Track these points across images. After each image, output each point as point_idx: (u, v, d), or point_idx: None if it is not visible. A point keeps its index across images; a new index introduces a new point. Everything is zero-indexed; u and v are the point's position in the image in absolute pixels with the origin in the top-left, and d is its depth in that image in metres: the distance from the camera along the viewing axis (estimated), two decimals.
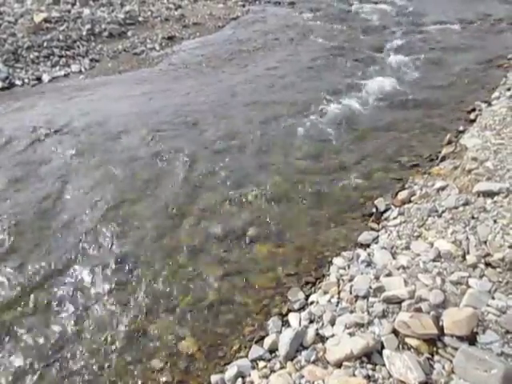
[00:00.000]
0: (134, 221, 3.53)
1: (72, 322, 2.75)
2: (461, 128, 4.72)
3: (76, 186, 3.97)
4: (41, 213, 3.66)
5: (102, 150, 4.50)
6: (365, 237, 3.15)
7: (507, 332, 2.08)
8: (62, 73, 6.85)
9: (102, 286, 2.99)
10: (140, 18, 9.18)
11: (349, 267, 2.83)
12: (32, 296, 2.91)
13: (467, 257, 2.58)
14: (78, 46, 7.72)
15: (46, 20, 8.33)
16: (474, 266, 2.51)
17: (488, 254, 2.56)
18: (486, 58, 7.17)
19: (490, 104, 5.09)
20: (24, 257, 3.21)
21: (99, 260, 3.19)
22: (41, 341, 2.63)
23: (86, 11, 9.09)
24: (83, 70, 6.97)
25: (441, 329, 2.12)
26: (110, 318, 2.76)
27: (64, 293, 2.94)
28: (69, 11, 9.05)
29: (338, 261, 2.93)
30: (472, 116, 4.99)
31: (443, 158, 4.03)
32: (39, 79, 6.60)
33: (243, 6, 10.73)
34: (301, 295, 2.79)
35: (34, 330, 2.70)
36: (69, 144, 4.59)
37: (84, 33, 8.13)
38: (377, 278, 2.59)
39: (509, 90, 5.35)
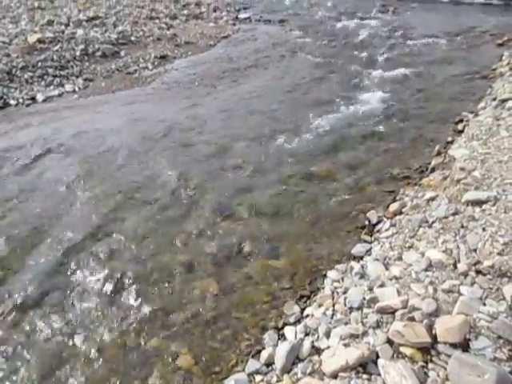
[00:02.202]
0: (128, 238, 3.56)
1: (66, 338, 2.75)
2: (449, 139, 4.82)
3: (69, 204, 4.00)
4: (34, 230, 3.68)
5: (96, 168, 4.55)
6: (358, 249, 3.19)
7: (499, 337, 2.12)
8: (56, 92, 6.91)
9: (96, 302, 3.00)
10: (133, 38, 9.31)
11: (343, 280, 2.87)
12: (23, 314, 2.91)
13: (458, 265, 2.63)
14: (72, 66, 7.80)
15: (40, 40, 8.44)
16: (465, 274, 2.56)
17: (478, 262, 2.61)
18: (471, 69, 7.34)
19: (476, 114, 5.20)
20: (15, 274, 3.22)
21: (94, 276, 3.20)
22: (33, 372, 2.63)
23: (80, 32, 9.22)
24: (77, 89, 7.04)
25: (434, 337, 2.16)
26: (106, 334, 2.76)
27: (58, 308, 2.95)
28: (62, 32, 9.18)
29: (332, 274, 2.96)
30: (460, 127, 5.09)
31: (433, 169, 4.10)
32: (33, 99, 6.66)
33: (234, 24, 10.91)
34: (296, 309, 2.82)
35: (29, 359, 2.69)
36: (63, 163, 4.64)
37: (78, 53, 8.23)
38: (370, 289, 2.62)
39: (494, 99, 5.47)
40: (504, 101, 5.17)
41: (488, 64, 7.39)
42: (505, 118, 4.50)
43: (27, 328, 2.84)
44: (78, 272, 3.26)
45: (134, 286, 3.12)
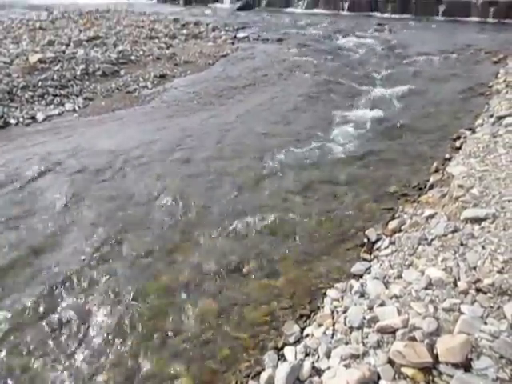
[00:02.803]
0: (126, 257, 3.55)
1: (64, 357, 2.72)
2: (447, 156, 4.85)
3: (69, 224, 3.99)
4: (33, 250, 3.66)
5: (95, 188, 4.55)
6: (357, 267, 3.18)
7: (501, 357, 2.10)
8: (57, 111, 6.96)
9: (95, 323, 2.97)
10: (132, 57, 9.42)
11: (342, 299, 2.85)
12: (20, 336, 2.89)
13: (458, 283, 2.62)
14: (72, 85, 7.88)
15: (40, 60, 8.54)
16: (466, 293, 2.54)
17: (478, 280, 2.60)
18: (467, 86, 7.43)
19: (474, 131, 5.24)
20: (14, 295, 3.20)
21: (93, 296, 3.18)
22: None
23: (80, 51, 9.34)
24: (77, 108, 7.09)
25: (435, 357, 2.14)
26: (104, 356, 2.73)
27: (56, 330, 2.92)
28: (63, 52, 9.30)
29: (331, 292, 2.95)
30: (457, 143, 5.12)
31: (431, 186, 4.12)
32: (33, 118, 6.70)
33: (232, 43, 11.05)
34: (296, 328, 2.80)
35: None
36: (62, 183, 4.64)
37: (78, 72, 8.31)
38: (370, 308, 2.61)
39: (491, 116, 5.52)
40: (501, 118, 5.22)
41: (484, 81, 7.48)
42: (502, 135, 4.54)
43: (23, 351, 2.81)
44: (75, 292, 3.24)
45: (132, 306, 3.09)
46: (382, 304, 2.61)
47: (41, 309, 3.09)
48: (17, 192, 4.54)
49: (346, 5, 15.51)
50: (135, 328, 2.92)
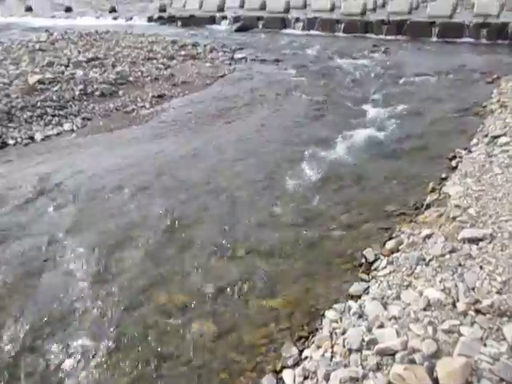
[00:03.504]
0: (122, 279, 3.52)
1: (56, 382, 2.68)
2: (443, 175, 4.87)
3: (64, 245, 3.97)
4: (28, 272, 3.63)
5: (93, 208, 4.56)
6: (355, 288, 3.17)
7: (501, 380, 2.08)
8: (55, 131, 6.99)
9: (88, 345, 2.93)
10: (131, 78, 9.52)
11: (341, 320, 2.83)
12: (16, 361, 2.84)
13: (457, 304, 2.61)
14: (71, 106, 7.93)
15: (40, 81, 8.60)
16: (465, 314, 2.53)
17: (477, 301, 2.60)
18: (462, 106, 7.52)
19: (469, 151, 5.28)
20: (8, 317, 3.16)
21: (87, 320, 3.14)
22: None
23: (79, 72, 9.43)
24: (75, 128, 7.13)
25: (435, 380, 2.11)
26: (96, 379, 2.69)
27: (51, 354, 2.88)
28: (62, 72, 9.38)
29: (329, 314, 2.92)
30: (453, 163, 5.16)
31: (428, 206, 4.13)
32: (32, 138, 6.72)
33: (230, 64, 11.20)
34: (294, 350, 2.77)
35: None
36: (60, 203, 4.64)
37: (77, 93, 8.38)
38: (369, 330, 2.59)
39: (486, 136, 5.58)
40: (495, 137, 5.28)
41: (479, 101, 7.57)
42: (497, 155, 4.59)
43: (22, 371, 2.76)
44: (72, 315, 3.20)
45: (127, 328, 3.06)
46: (381, 326, 2.60)
47: (35, 332, 3.06)
48: (13, 213, 4.53)
49: (342, 26, 15.79)
50: (130, 350, 2.88)
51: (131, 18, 20.54)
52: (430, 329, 2.44)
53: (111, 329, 3.06)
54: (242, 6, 20.36)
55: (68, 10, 23.77)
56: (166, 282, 3.48)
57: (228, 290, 3.38)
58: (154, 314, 3.18)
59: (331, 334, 2.74)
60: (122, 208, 4.55)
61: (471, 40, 13.87)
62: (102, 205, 4.63)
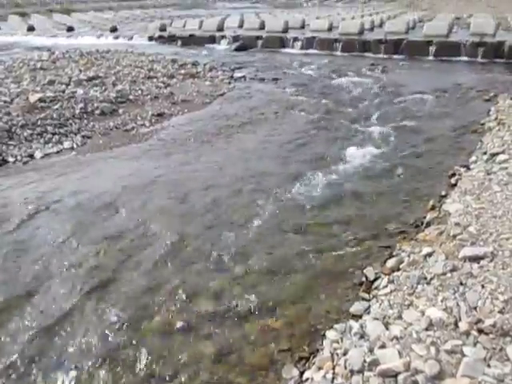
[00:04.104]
0: (119, 299, 3.49)
1: None
2: (443, 193, 4.88)
3: (62, 264, 3.94)
4: (24, 292, 3.60)
5: (91, 227, 4.54)
6: (356, 307, 3.14)
7: None
8: (55, 150, 7.00)
9: (86, 365, 2.88)
10: (131, 97, 9.59)
11: (342, 340, 2.79)
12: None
13: (459, 324, 2.58)
14: (71, 124, 7.97)
15: (40, 99, 8.66)
16: (467, 334, 2.51)
17: (480, 321, 2.57)
18: (460, 124, 7.58)
19: (468, 168, 5.30)
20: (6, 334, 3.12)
21: (85, 338, 3.10)
22: None
23: (80, 91, 9.50)
24: (75, 146, 7.15)
25: None
26: None
27: (48, 373, 2.83)
28: (63, 91, 9.45)
29: (330, 334, 2.89)
30: (453, 180, 5.17)
31: (428, 224, 4.12)
32: (31, 156, 6.73)
33: (229, 83, 11.30)
34: (295, 372, 2.72)
35: None
36: (59, 222, 4.63)
37: (77, 111, 8.43)
38: (371, 350, 2.55)
39: (485, 153, 5.60)
40: (494, 155, 5.30)
41: (476, 119, 7.63)
42: (496, 172, 4.60)
43: None
44: (69, 335, 3.16)
45: (126, 349, 3.02)
46: (383, 346, 2.56)
47: (30, 353, 3.01)
48: (11, 231, 4.51)
49: (340, 46, 16.00)
50: (128, 373, 2.83)
51: (132, 37, 20.79)
52: (432, 349, 2.41)
53: (106, 349, 3.01)
54: (241, 26, 20.69)
55: (70, 29, 24.08)
56: (164, 302, 3.44)
57: (227, 309, 3.34)
58: (151, 334, 3.13)
59: (332, 354, 2.70)
60: (121, 227, 4.53)
61: (468, 59, 14.04)
62: (101, 223, 4.61)
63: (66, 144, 7.20)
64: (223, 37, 18.68)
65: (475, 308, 2.64)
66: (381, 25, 19.33)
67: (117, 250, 4.14)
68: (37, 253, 4.12)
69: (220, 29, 20.09)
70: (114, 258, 4.02)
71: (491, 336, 2.46)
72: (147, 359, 2.92)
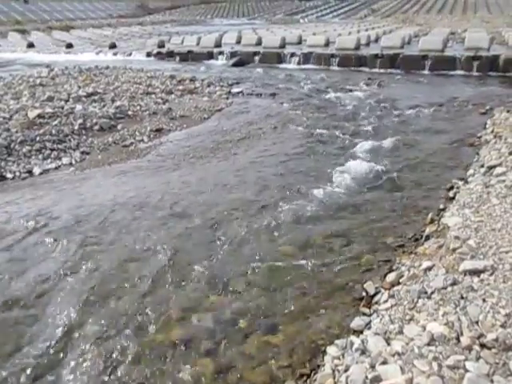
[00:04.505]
0: (118, 315, 3.46)
1: None
2: (441, 206, 4.89)
3: (60, 281, 3.91)
4: (22, 310, 3.57)
5: (89, 243, 4.52)
6: (357, 322, 3.11)
7: None
8: (53, 165, 7.01)
9: (85, 381, 2.84)
10: (129, 112, 9.64)
11: (343, 356, 2.76)
12: None
13: (461, 339, 2.56)
14: (70, 140, 7.99)
15: (39, 116, 8.71)
16: (470, 348, 2.48)
17: (482, 335, 2.55)
18: (457, 137, 7.63)
19: (466, 181, 5.32)
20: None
21: (84, 355, 3.06)
22: None
23: (79, 107, 9.55)
24: (74, 162, 7.15)
25: None
26: None
27: None
28: (62, 107, 9.51)
29: (331, 350, 2.86)
30: (451, 194, 5.18)
31: (427, 237, 4.11)
32: (30, 172, 6.73)
33: (227, 98, 11.38)
34: None
35: None
36: (57, 239, 4.60)
37: (76, 127, 8.47)
38: (372, 366, 2.52)
39: (482, 166, 5.63)
40: (491, 168, 5.32)
41: (473, 132, 7.69)
42: (494, 185, 4.61)
43: None
44: (67, 353, 3.12)
45: (125, 366, 2.98)
46: (385, 362, 2.53)
47: (26, 373, 2.97)
48: (8, 248, 4.48)
49: (337, 61, 16.17)
50: None
51: (130, 54, 20.98)
52: (434, 365, 2.39)
53: (106, 367, 2.98)
54: (238, 42, 20.94)
55: (69, 46, 24.30)
56: (163, 318, 3.41)
57: (226, 325, 3.31)
58: (151, 350, 3.10)
59: (333, 371, 2.67)
60: (119, 243, 4.51)
61: (463, 72, 14.21)
62: (99, 239, 4.59)
63: (65, 160, 7.21)
64: (221, 53, 18.88)
65: (477, 322, 2.62)
66: (377, 40, 19.60)
67: (115, 265, 4.11)
68: (34, 270, 4.09)
69: (218, 45, 20.33)
70: (111, 273, 3.99)
71: (494, 351, 2.44)
72: (146, 375, 2.88)
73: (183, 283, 3.83)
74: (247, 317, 3.37)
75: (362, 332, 2.99)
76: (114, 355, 3.07)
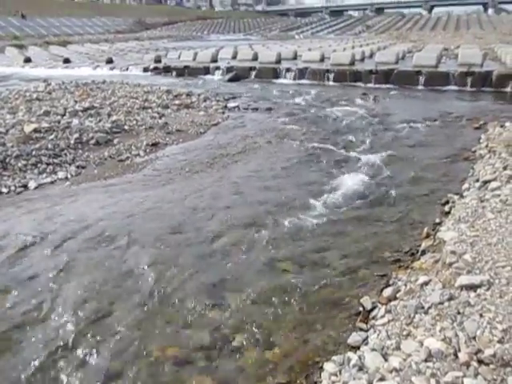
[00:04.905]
0: (113, 332, 3.41)
1: None
2: (437, 220, 4.90)
3: (55, 297, 3.87)
4: (17, 326, 3.52)
5: (84, 259, 4.48)
6: (354, 338, 3.09)
7: None
8: (49, 180, 6.98)
9: None
10: (126, 127, 9.65)
11: (340, 373, 2.73)
12: None
13: (459, 355, 2.54)
14: (66, 154, 7.98)
15: (36, 130, 8.70)
16: (467, 365, 2.46)
17: (479, 351, 2.53)
18: (451, 151, 7.69)
19: (461, 196, 5.34)
20: None
21: (78, 373, 3.02)
22: None
23: (75, 121, 9.57)
24: (69, 176, 7.13)
25: None
26: None
27: None
28: (58, 122, 9.51)
29: (328, 366, 2.83)
30: (446, 208, 5.20)
31: (423, 252, 4.12)
32: (25, 186, 6.70)
33: (223, 112, 11.44)
34: None
35: None
36: (51, 254, 4.57)
37: (72, 141, 8.46)
38: (370, 383, 2.50)
39: (477, 181, 5.66)
40: (486, 182, 5.35)
41: (467, 147, 7.76)
42: (489, 200, 4.63)
43: None
44: (61, 371, 3.07)
45: (122, 382, 2.93)
46: (382, 379, 2.51)
47: None
48: (4, 263, 4.44)
49: (332, 76, 16.34)
50: None
51: (127, 69, 21.13)
52: (432, 381, 2.37)
53: (101, 380, 2.93)
54: (234, 57, 21.17)
55: (66, 61, 24.44)
56: (159, 334, 3.38)
57: (224, 341, 3.28)
58: (147, 367, 3.06)
59: None
60: (114, 258, 4.48)
61: (457, 88, 14.40)
62: (94, 255, 4.56)
63: (61, 174, 7.19)
64: (217, 68, 19.05)
65: (474, 338, 2.61)
66: (371, 56, 19.87)
67: (110, 281, 4.08)
68: (29, 286, 4.05)
69: (214, 60, 20.53)
70: (107, 290, 3.96)
71: (492, 367, 2.42)
72: None
73: (179, 299, 3.80)
74: (244, 333, 3.34)
75: (359, 348, 2.97)
76: (108, 374, 3.02)
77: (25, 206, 5.91)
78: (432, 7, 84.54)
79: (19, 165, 7.30)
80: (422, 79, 14.95)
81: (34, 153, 7.73)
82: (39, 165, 7.43)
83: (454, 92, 14.08)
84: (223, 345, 3.24)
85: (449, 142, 8.36)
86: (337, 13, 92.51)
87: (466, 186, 5.69)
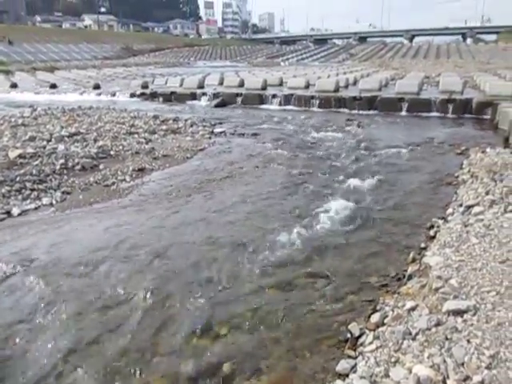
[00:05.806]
0: (99, 362, 3.33)
1: None
2: (422, 245, 4.94)
3: (39, 326, 3.78)
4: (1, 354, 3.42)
5: (69, 286, 4.39)
6: (343, 366, 3.05)
7: None
8: (33, 206, 6.88)
9: None
10: (112, 152, 9.63)
11: None
12: None
13: (447, 382, 2.53)
14: (51, 180, 7.90)
15: (20, 156, 8.63)
16: None
17: (468, 377, 2.53)
18: (435, 177, 7.83)
19: (446, 220, 5.41)
20: None
21: None
22: None
23: (61, 147, 9.51)
24: (54, 202, 7.04)
25: None
26: None
27: None
28: (44, 147, 9.45)
29: None
30: (431, 232, 5.26)
31: (410, 277, 4.13)
32: (9, 213, 6.59)
33: (209, 138, 11.51)
34: None
35: None
36: (35, 282, 4.46)
37: (57, 167, 8.39)
38: None
39: (461, 205, 5.75)
40: (469, 207, 5.44)
41: (450, 172, 7.91)
42: (473, 224, 4.70)
43: None
44: None
45: None
46: None
47: None
48: None
49: (317, 102, 16.65)
50: None
51: (114, 94, 21.24)
52: None
53: None
54: (221, 84, 21.47)
55: (53, 86, 24.47)
56: (144, 364, 3.30)
57: (210, 370, 3.21)
58: None
59: None
60: (99, 286, 4.39)
61: (438, 114, 14.78)
62: (78, 282, 4.47)
63: (45, 200, 7.10)
64: (204, 94, 19.27)
65: (462, 364, 2.61)
66: (355, 83, 20.33)
67: (95, 311, 3.99)
68: (10, 315, 3.94)
69: (201, 86, 20.77)
70: (91, 319, 3.87)
71: None
72: None
73: (164, 327, 3.73)
74: (231, 361, 3.29)
75: (347, 375, 2.94)
76: None
77: (8, 233, 5.80)
78: (413, 36, 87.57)
79: (3, 191, 7.19)
80: (404, 106, 15.33)
81: (18, 179, 7.63)
82: (23, 191, 7.33)
83: (436, 118, 14.44)
84: (211, 375, 3.17)
85: (432, 167, 8.52)
86: (321, 41, 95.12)
87: (450, 210, 5.78)
